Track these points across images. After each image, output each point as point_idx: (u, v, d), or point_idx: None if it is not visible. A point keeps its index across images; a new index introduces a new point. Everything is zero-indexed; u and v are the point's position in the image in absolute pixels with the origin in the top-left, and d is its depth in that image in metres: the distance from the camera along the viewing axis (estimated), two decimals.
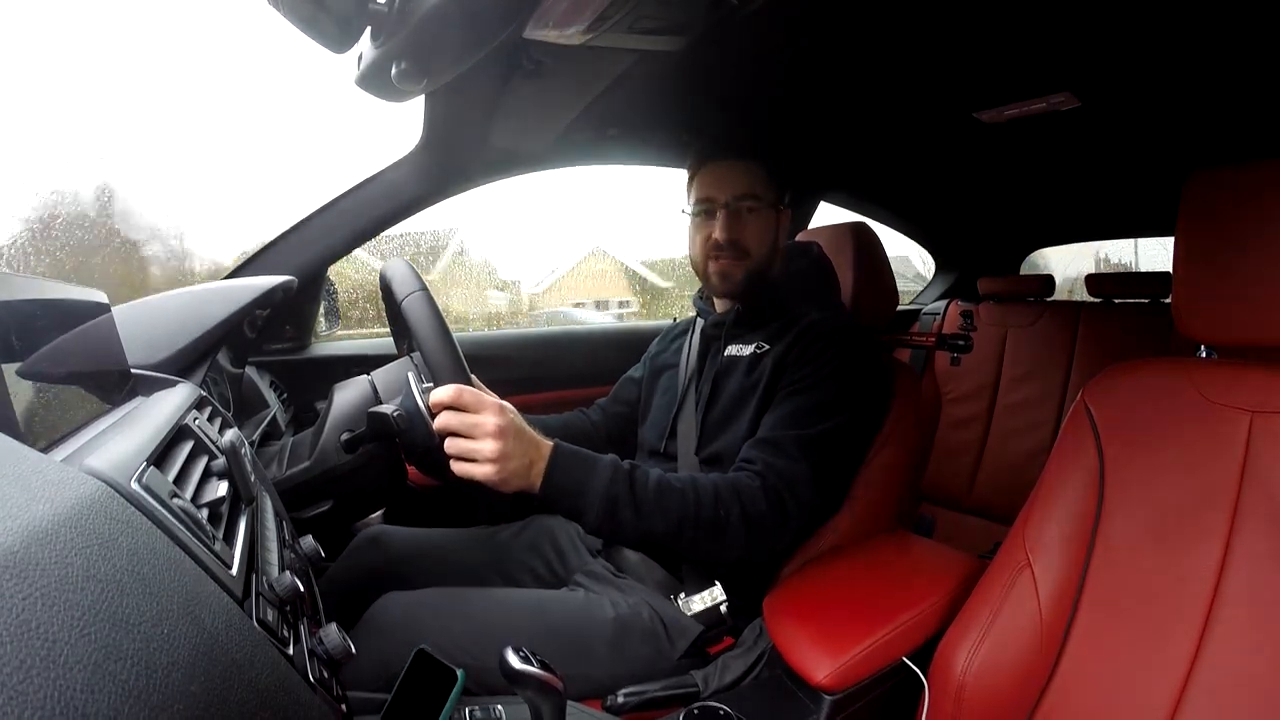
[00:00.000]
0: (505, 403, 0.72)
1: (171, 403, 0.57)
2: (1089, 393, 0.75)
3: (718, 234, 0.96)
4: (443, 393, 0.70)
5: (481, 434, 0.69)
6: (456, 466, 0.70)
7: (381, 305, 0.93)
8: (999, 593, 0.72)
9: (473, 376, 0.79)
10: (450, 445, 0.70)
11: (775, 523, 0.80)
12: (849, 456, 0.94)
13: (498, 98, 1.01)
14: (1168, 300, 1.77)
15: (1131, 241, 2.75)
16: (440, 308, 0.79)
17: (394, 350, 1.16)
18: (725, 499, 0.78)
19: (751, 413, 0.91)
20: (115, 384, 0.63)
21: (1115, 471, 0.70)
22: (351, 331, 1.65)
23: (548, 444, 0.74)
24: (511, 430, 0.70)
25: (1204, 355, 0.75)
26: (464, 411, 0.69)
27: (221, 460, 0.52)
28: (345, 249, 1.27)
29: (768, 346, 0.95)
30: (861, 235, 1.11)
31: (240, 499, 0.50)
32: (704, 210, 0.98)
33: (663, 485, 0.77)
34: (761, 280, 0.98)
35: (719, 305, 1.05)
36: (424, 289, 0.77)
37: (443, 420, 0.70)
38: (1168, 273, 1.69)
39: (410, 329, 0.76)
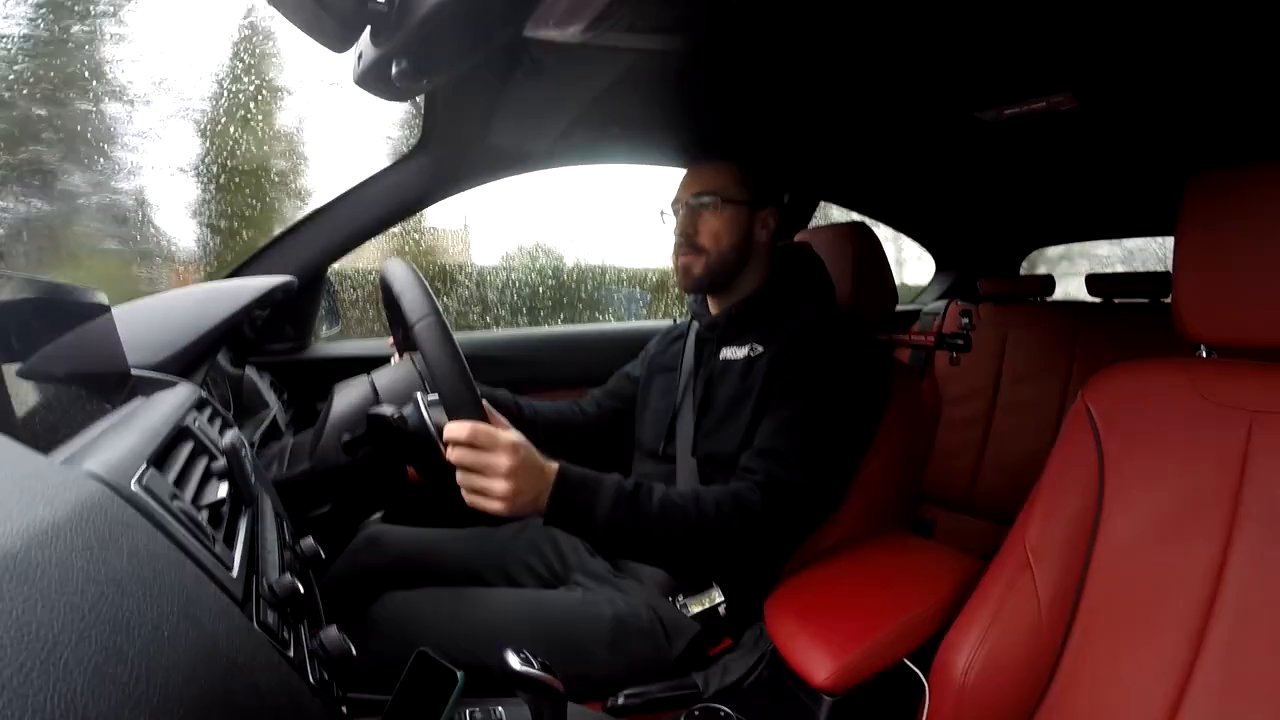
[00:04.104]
0: (518, 436, 0.72)
1: (171, 404, 0.57)
2: (1089, 393, 0.75)
3: (675, 230, 1.01)
4: (458, 430, 0.69)
5: (494, 474, 0.69)
6: (468, 499, 0.71)
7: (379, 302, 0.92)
8: (999, 594, 0.72)
9: (484, 402, 0.78)
10: (462, 479, 0.70)
11: (777, 534, 0.81)
12: (848, 457, 0.94)
13: (498, 97, 1.01)
14: (1168, 300, 1.77)
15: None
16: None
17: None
18: (727, 514, 0.78)
19: (747, 416, 0.91)
20: (115, 385, 0.63)
21: (1115, 471, 0.70)
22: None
23: (553, 469, 0.74)
24: (523, 468, 0.70)
25: (1204, 355, 0.75)
26: (478, 449, 0.69)
27: (222, 461, 0.52)
28: (345, 249, 1.27)
29: (761, 349, 0.95)
30: (861, 235, 1.11)
31: (240, 500, 0.50)
32: (675, 211, 1.03)
33: (666, 503, 0.77)
34: (728, 277, 1.00)
35: (713, 307, 1.05)
36: (436, 313, 0.74)
37: (456, 457, 0.70)
38: (1168, 273, 1.69)
39: (424, 357, 0.75)
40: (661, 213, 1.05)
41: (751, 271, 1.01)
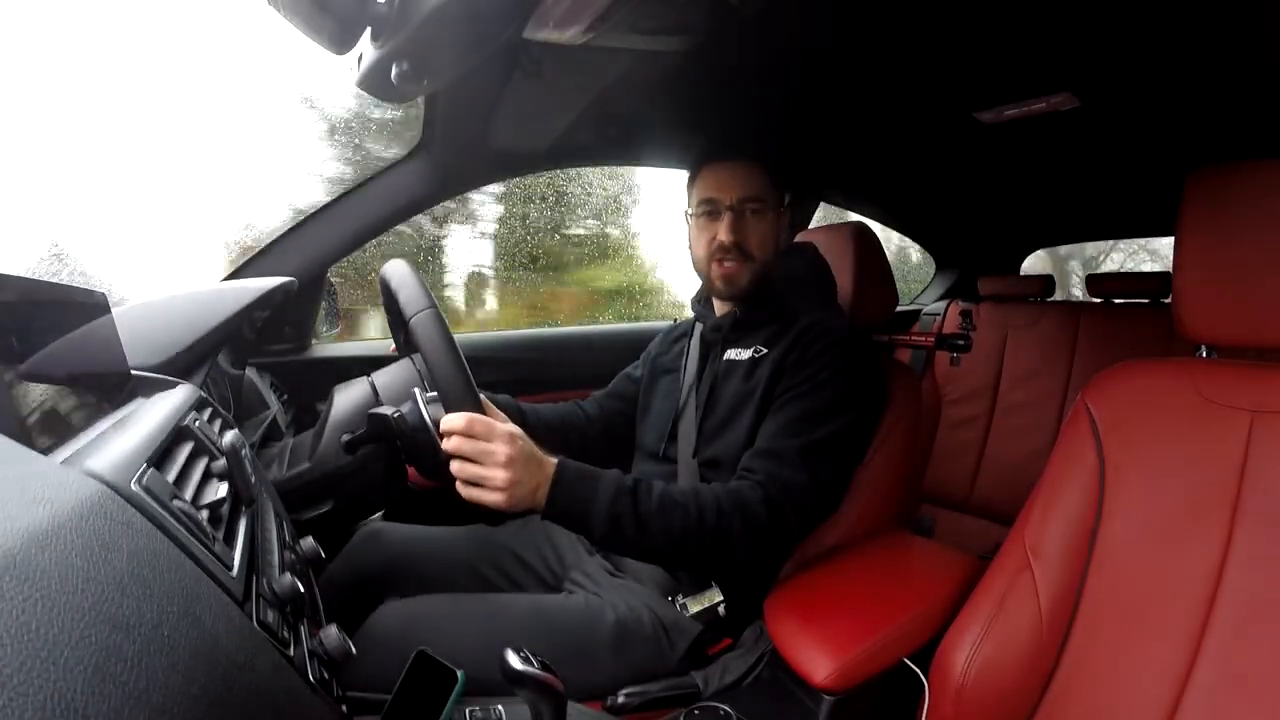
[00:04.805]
0: (515, 428, 0.72)
1: (171, 404, 0.57)
2: (1089, 393, 0.75)
3: (722, 236, 0.93)
4: (455, 420, 0.70)
5: (492, 463, 0.69)
6: (465, 492, 0.71)
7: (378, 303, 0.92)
8: (999, 593, 0.72)
9: (482, 396, 0.78)
10: (460, 471, 0.70)
11: (777, 534, 0.81)
12: (848, 459, 0.94)
13: (498, 98, 1.01)
14: (1168, 300, 1.77)
15: None
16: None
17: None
18: (727, 512, 0.78)
19: (750, 418, 0.91)
20: (115, 385, 0.63)
21: (1115, 471, 0.70)
22: None
23: (551, 463, 0.74)
24: (521, 458, 0.70)
25: (1204, 355, 0.75)
26: (475, 439, 0.69)
27: (222, 461, 0.52)
28: (345, 250, 1.27)
29: (765, 350, 0.95)
30: (861, 235, 1.11)
31: (240, 500, 0.50)
32: (707, 212, 0.96)
33: (665, 500, 0.77)
34: (764, 283, 0.98)
35: (718, 308, 1.05)
36: (433, 306, 0.75)
37: (454, 446, 0.70)
38: (1168, 273, 1.69)
39: (420, 350, 0.75)
40: (686, 212, 1.01)
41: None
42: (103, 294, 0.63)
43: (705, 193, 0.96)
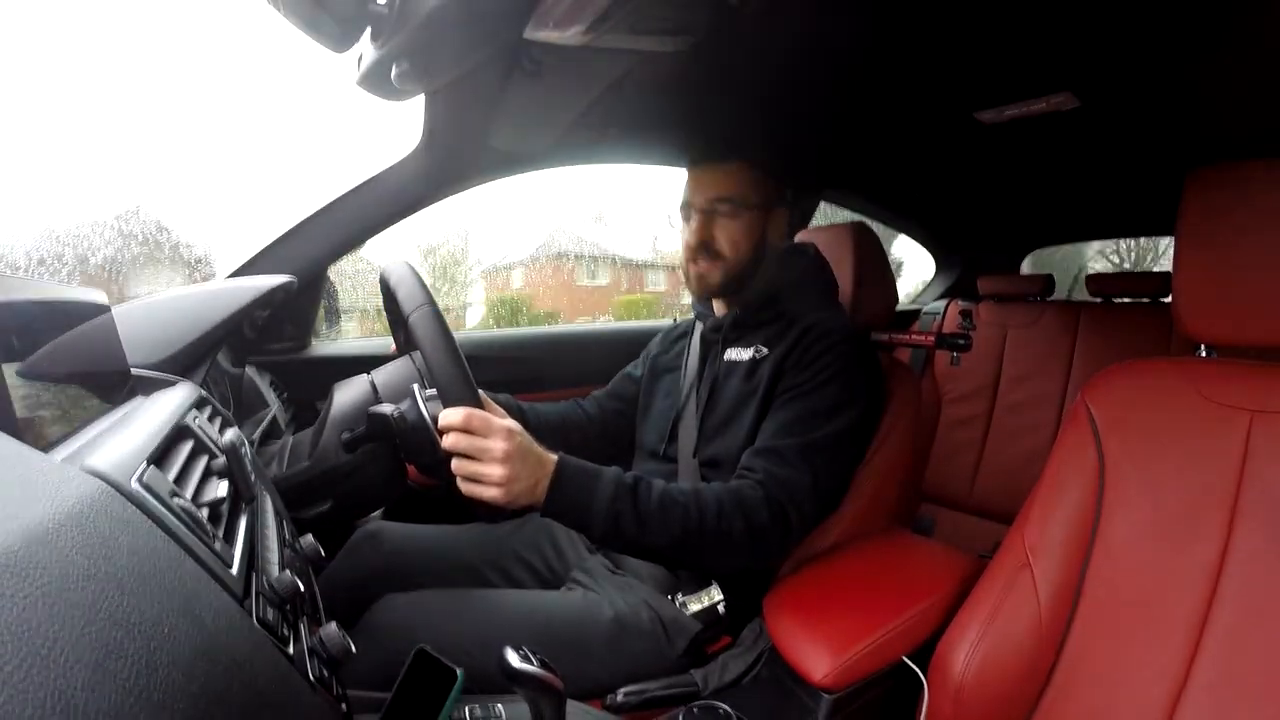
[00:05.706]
0: (513, 423, 0.72)
1: (171, 402, 0.57)
2: (1089, 392, 0.75)
3: (688, 237, 0.97)
4: (452, 416, 0.70)
5: (490, 459, 0.69)
6: (464, 487, 0.71)
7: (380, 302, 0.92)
8: (999, 592, 0.72)
9: (481, 392, 0.78)
10: (458, 467, 0.70)
11: (778, 534, 0.81)
12: (849, 459, 0.94)
13: (498, 98, 1.01)
14: (1168, 300, 1.77)
15: None
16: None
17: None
18: (728, 511, 0.78)
19: (751, 418, 0.92)
20: (115, 384, 0.63)
21: (1115, 471, 0.70)
22: None
23: (551, 459, 0.74)
24: (519, 454, 0.70)
25: (1204, 355, 0.75)
26: (473, 435, 0.70)
27: (222, 459, 0.52)
28: (345, 249, 1.27)
29: (766, 350, 0.95)
30: (861, 235, 1.11)
31: (240, 498, 0.51)
32: (685, 215, 0.99)
33: (666, 499, 0.77)
34: (744, 281, 0.98)
35: (717, 308, 1.05)
36: (431, 303, 0.75)
37: (451, 442, 0.70)
38: (1168, 273, 1.69)
39: (419, 346, 0.75)
40: (669, 216, 1.04)
41: (760, 274, 1.00)
42: (102, 293, 0.63)
43: (684, 196, 1.00)
